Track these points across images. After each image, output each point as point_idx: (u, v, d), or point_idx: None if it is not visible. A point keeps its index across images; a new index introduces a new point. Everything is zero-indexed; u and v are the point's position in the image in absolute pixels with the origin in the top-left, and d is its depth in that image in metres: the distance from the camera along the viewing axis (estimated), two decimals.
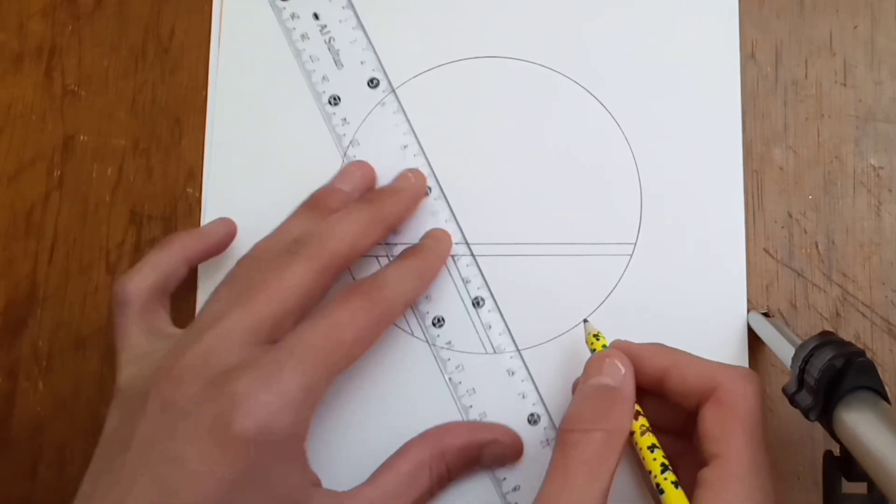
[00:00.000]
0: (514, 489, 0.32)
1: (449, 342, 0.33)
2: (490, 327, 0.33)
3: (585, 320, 0.32)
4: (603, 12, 0.35)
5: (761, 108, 0.35)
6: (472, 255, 0.34)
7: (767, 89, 0.35)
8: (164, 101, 0.36)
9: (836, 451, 0.26)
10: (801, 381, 0.26)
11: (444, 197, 0.34)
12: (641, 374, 0.28)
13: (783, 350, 0.29)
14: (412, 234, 0.34)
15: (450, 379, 0.33)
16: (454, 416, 0.33)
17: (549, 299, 0.33)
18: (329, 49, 0.35)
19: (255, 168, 0.35)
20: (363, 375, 0.33)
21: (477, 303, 0.33)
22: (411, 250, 0.32)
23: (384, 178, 0.34)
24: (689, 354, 0.29)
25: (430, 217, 0.34)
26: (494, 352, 0.33)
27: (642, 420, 0.27)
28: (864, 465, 0.23)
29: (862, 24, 0.35)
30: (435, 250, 0.33)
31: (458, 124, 0.35)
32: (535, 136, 0.34)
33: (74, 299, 0.35)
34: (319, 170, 0.34)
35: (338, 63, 0.35)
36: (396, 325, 0.33)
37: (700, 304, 0.33)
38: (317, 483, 0.28)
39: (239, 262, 0.30)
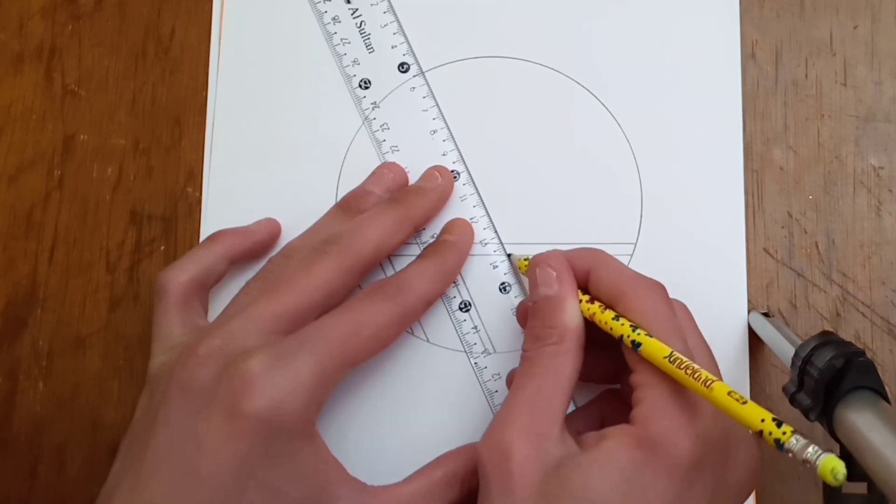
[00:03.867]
0: None
1: (475, 327, 0.33)
2: (516, 312, 0.33)
3: (509, 255, 0.33)
4: (603, 13, 0.35)
5: (761, 108, 0.35)
6: (499, 239, 0.34)
7: (767, 89, 0.35)
8: (164, 101, 0.36)
9: (836, 451, 0.26)
10: (801, 381, 0.26)
11: (473, 182, 0.34)
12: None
13: (783, 350, 0.29)
14: (441, 224, 0.34)
15: (475, 363, 0.33)
16: (479, 397, 0.33)
17: None
18: (360, 32, 0.35)
19: (256, 167, 0.35)
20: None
21: (504, 288, 0.33)
22: (434, 248, 0.33)
23: (412, 162, 0.34)
24: (611, 258, 0.30)
25: (460, 202, 0.34)
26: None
27: (598, 303, 0.28)
28: (864, 465, 0.23)
29: (862, 24, 0.35)
30: (456, 247, 0.33)
31: (468, 118, 0.35)
32: (537, 136, 0.34)
33: (74, 299, 0.35)
34: (326, 164, 0.34)
35: (368, 47, 0.35)
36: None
37: (700, 304, 0.33)
38: (340, 470, 0.29)
39: (270, 260, 0.32)
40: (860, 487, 0.26)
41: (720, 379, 0.24)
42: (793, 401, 0.26)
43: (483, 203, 0.34)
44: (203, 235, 0.34)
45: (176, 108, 0.36)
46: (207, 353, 0.27)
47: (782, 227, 0.34)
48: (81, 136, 0.36)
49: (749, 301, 0.33)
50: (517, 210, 0.34)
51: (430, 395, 0.33)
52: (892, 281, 0.33)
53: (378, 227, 0.31)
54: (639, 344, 0.26)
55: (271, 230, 0.34)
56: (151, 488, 0.26)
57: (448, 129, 0.34)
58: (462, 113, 0.35)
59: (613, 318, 0.27)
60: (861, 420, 0.24)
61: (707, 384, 0.23)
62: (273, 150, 0.35)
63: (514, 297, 0.33)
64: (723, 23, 0.35)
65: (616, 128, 0.34)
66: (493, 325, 0.33)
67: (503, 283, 0.33)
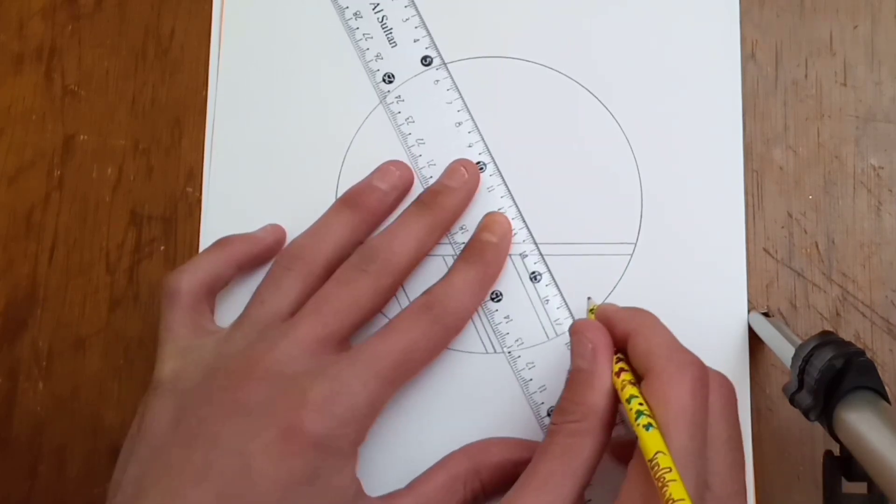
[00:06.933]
0: None
1: (507, 317, 0.33)
2: (548, 301, 0.33)
3: (588, 297, 0.33)
4: (603, 13, 0.35)
5: (761, 108, 0.35)
6: (528, 228, 0.34)
7: (767, 89, 0.35)
8: (164, 101, 0.36)
9: (836, 451, 0.26)
10: (801, 381, 0.26)
11: (500, 173, 0.34)
12: (615, 339, 0.29)
13: (783, 350, 0.29)
14: (472, 217, 0.34)
15: (509, 353, 0.33)
16: (514, 388, 0.33)
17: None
18: (382, 27, 0.35)
19: (256, 167, 0.35)
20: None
21: (534, 277, 0.33)
22: (476, 251, 0.32)
23: (438, 154, 0.34)
24: (653, 325, 0.28)
25: (487, 193, 0.34)
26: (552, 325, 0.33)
27: (624, 377, 0.27)
28: (864, 465, 0.23)
29: (862, 25, 0.35)
30: (499, 250, 0.32)
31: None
32: (537, 136, 0.34)
33: (74, 299, 0.35)
34: (326, 164, 0.34)
35: (391, 41, 0.35)
36: None
37: (700, 304, 0.33)
38: (359, 489, 0.29)
39: (278, 263, 0.31)
40: (860, 487, 0.26)
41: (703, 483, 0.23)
42: (793, 401, 0.26)
43: (510, 193, 0.34)
44: (203, 235, 0.34)
45: (176, 108, 0.36)
46: (262, 376, 0.28)
47: (782, 227, 0.34)
48: (81, 137, 0.36)
49: (749, 301, 0.33)
50: (519, 210, 0.34)
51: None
52: (892, 281, 0.33)
53: (413, 238, 0.31)
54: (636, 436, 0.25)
55: (277, 236, 0.33)
56: (189, 501, 0.26)
57: (473, 120, 0.34)
58: (474, 108, 0.35)
59: (626, 401, 0.26)
60: (861, 420, 0.24)
61: (667, 503, 0.22)
62: (273, 150, 0.35)
63: (546, 286, 0.33)
64: (723, 23, 0.35)
65: (616, 128, 0.34)
66: (523, 314, 0.33)
67: (533, 273, 0.33)
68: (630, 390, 0.26)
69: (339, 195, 0.34)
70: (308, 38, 0.35)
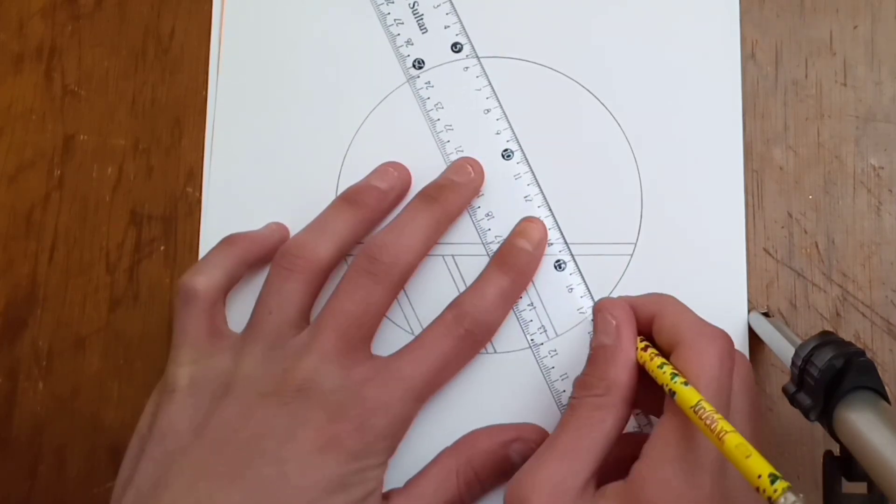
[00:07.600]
0: None
1: (531, 304, 0.33)
2: (572, 290, 0.33)
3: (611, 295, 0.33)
4: (603, 13, 0.35)
5: (761, 108, 0.35)
6: (554, 217, 0.34)
7: (767, 89, 0.35)
8: (164, 101, 0.36)
9: (836, 451, 0.26)
10: (801, 381, 0.26)
11: (527, 161, 0.34)
12: (637, 322, 0.29)
13: (783, 350, 0.29)
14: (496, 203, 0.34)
15: (532, 340, 0.33)
16: (536, 376, 0.33)
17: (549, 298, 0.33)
18: (413, 13, 0.35)
19: (256, 167, 0.35)
20: None
21: (559, 266, 0.33)
22: (511, 261, 0.32)
23: (467, 140, 0.34)
24: (676, 304, 0.29)
25: (514, 180, 0.34)
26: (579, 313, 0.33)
27: (651, 350, 0.28)
28: (864, 465, 0.23)
29: (862, 24, 0.35)
30: (533, 259, 0.32)
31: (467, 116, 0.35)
32: (537, 136, 0.34)
33: (74, 299, 0.35)
34: (326, 164, 0.34)
35: (422, 27, 0.35)
36: None
37: (700, 304, 0.33)
38: (380, 494, 0.30)
39: (279, 263, 0.31)
40: (860, 487, 0.26)
41: (744, 440, 0.24)
42: (793, 401, 0.26)
43: (537, 181, 0.34)
44: (203, 235, 0.34)
45: (176, 108, 0.36)
46: (294, 392, 0.28)
47: (782, 227, 0.34)
48: (81, 136, 0.36)
49: (749, 301, 0.33)
50: (519, 210, 0.34)
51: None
52: (892, 281, 0.33)
53: (421, 232, 0.31)
54: (674, 392, 0.26)
55: (282, 234, 0.33)
56: (215, 501, 0.26)
57: (501, 107, 0.34)
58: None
59: (658, 367, 0.27)
60: (861, 420, 0.24)
61: (720, 435, 0.23)
62: (273, 150, 0.35)
63: (570, 275, 0.33)
64: (723, 23, 0.35)
65: (616, 128, 0.34)
66: (547, 302, 0.33)
67: (558, 261, 0.33)
68: (660, 359, 0.27)
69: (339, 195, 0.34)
70: (307, 38, 0.35)
